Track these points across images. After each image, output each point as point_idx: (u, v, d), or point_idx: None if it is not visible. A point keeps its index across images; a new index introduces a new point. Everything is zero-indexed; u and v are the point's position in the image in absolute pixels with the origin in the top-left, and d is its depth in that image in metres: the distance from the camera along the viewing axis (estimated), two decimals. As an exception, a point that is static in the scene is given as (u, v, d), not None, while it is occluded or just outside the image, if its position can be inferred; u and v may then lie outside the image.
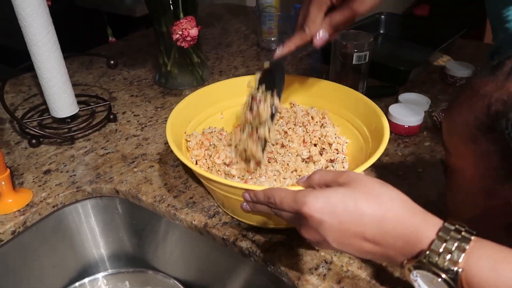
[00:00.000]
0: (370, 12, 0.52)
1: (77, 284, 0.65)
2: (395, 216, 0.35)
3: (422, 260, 0.33)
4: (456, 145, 0.40)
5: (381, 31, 1.13)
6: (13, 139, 0.75)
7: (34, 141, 0.71)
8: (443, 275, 0.32)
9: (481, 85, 0.37)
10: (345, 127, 0.65)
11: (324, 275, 0.48)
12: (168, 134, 0.55)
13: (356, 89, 0.66)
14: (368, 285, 0.47)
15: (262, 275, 0.56)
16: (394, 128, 0.72)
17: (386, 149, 0.69)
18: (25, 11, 0.63)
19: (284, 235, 0.54)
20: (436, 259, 0.33)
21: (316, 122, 0.65)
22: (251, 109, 0.58)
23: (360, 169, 0.47)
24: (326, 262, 0.50)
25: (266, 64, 0.60)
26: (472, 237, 0.33)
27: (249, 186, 0.46)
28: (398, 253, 0.35)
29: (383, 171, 0.64)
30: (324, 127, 0.64)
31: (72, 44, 1.04)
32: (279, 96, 0.56)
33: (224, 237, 0.54)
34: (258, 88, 0.59)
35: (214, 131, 0.65)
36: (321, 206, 0.36)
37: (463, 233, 0.33)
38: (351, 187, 0.37)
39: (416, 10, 2.23)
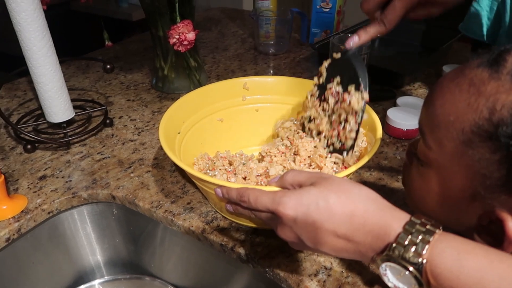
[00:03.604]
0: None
1: (73, 291, 0.64)
2: (365, 212, 0.36)
3: (389, 253, 0.34)
4: (442, 141, 0.37)
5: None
6: (8, 144, 0.74)
7: (29, 146, 0.70)
8: (410, 267, 0.33)
9: (481, 80, 0.34)
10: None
11: (324, 281, 0.48)
12: (161, 136, 0.55)
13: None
14: (369, 291, 0.46)
15: (260, 281, 0.56)
16: (393, 131, 0.72)
17: (385, 153, 0.69)
18: (20, 16, 0.62)
19: (283, 241, 0.53)
20: (402, 251, 0.33)
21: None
22: (324, 100, 0.58)
23: (348, 171, 0.47)
24: (326, 268, 0.49)
25: (337, 55, 0.58)
26: (437, 230, 0.34)
27: (224, 182, 0.45)
28: (368, 248, 0.36)
29: (382, 175, 0.64)
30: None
31: (69, 49, 1.03)
32: (366, 89, 0.54)
33: (222, 243, 0.54)
34: (329, 79, 0.58)
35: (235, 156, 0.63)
36: (294, 206, 0.38)
37: (428, 227, 0.34)
38: (322, 186, 0.38)
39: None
